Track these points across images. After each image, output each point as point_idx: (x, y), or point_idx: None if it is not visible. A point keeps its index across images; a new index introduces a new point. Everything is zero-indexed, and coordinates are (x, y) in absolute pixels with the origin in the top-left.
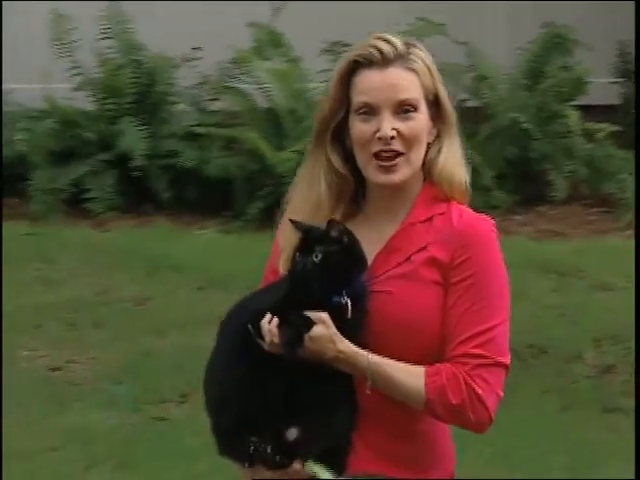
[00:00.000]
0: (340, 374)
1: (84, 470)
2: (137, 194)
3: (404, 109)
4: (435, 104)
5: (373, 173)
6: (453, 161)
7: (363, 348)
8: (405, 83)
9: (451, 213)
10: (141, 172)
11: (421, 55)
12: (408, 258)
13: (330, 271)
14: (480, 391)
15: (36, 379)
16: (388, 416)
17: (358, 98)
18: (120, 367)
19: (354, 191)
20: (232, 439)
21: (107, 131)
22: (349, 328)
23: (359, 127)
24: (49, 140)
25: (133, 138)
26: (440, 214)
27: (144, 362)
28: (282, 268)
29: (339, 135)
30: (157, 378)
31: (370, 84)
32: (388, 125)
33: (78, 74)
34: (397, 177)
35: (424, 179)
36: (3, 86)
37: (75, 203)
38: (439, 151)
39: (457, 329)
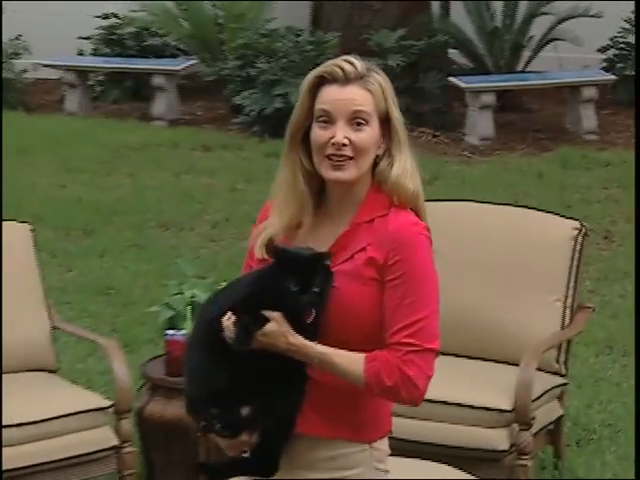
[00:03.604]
0: (291, 360)
1: None
2: None
3: (357, 121)
4: (386, 122)
5: (325, 170)
6: (403, 174)
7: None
8: (360, 99)
9: (389, 216)
10: None
11: (378, 79)
12: (352, 256)
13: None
14: (411, 373)
15: None
16: (334, 385)
17: (319, 106)
18: None
19: (321, 187)
20: (196, 407)
21: None
22: (310, 328)
23: (318, 132)
24: None
25: None
26: (381, 216)
27: None
28: (258, 248)
29: (308, 140)
30: None
31: (330, 96)
32: (342, 133)
33: None
34: (345, 175)
35: (372, 185)
36: None
37: None
38: (390, 164)
39: (392, 320)
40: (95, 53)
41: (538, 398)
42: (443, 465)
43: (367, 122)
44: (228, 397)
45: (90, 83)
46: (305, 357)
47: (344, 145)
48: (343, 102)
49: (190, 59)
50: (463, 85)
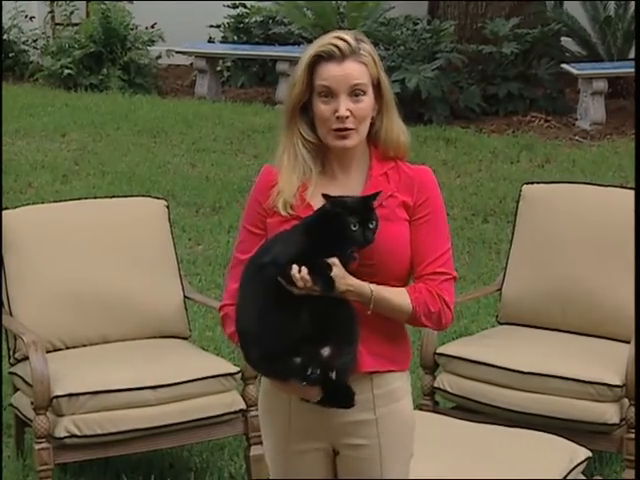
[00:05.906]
0: (346, 301)
1: None
2: None
3: (356, 93)
4: (377, 86)
5: (331, 141)
6: (394, 129)
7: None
8: (357, 73)
9: (400, 167)
10: None
11: (368, 49)
12: (380, 204)
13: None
14: (448, 299)
15: None
16: (380, 325)
17: (320, 83)
18: None
19: (324, 153)
20: (276, 363)
21: None
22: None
23: (321, 107)
24: None
25: None
26: (391, 168)
27: None
28: (282, 209)
29: (305, 110)
30: None
31: (330, 73)
32: (344, 107)
33: None
34: (349, 143)
35: (370, 144)
36: None
37: None
38: (382, 122)
39: (424, 254)
40: (224, 40)
41: None
42: (546, 434)
43: (365, 92)
44: (307, 343)
45: (219, 69)
46: (359, 296)
47: (347, 117)
48: (342, 77)
49: None
50: (576, 72)
